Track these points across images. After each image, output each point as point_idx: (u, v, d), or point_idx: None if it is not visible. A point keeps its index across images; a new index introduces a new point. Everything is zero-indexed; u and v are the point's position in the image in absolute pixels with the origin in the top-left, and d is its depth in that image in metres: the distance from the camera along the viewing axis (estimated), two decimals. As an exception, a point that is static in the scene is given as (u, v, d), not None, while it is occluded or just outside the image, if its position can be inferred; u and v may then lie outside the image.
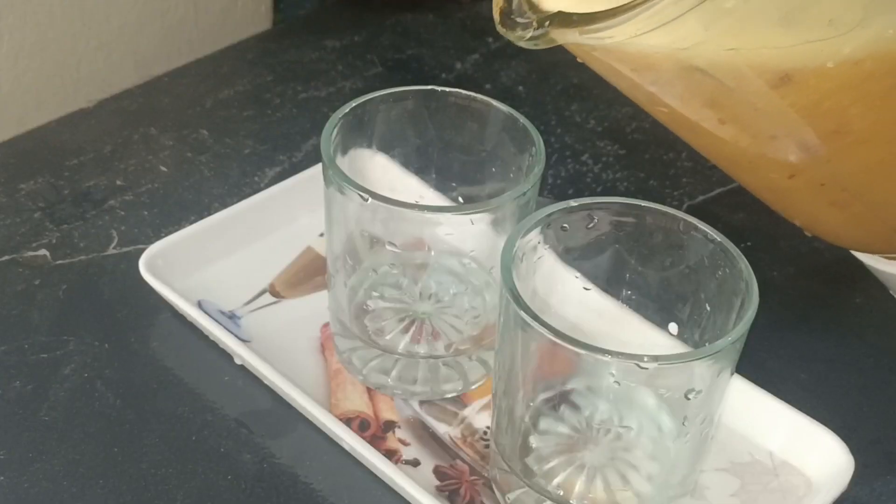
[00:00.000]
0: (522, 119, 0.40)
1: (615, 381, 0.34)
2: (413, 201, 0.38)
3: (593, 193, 0.53)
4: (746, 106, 0.34)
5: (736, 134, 0.36)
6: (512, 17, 0.34)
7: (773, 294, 0.48)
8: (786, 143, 0.35)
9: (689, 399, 0.33)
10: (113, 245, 0.48)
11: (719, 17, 0.30)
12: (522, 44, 0.33)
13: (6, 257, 0.47)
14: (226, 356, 0.42)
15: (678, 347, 0.38)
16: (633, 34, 0.30)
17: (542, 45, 0.33)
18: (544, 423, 0.37)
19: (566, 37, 0.32)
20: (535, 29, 0.33)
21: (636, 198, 0.37)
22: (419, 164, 0.43)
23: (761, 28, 0.31)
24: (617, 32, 0.30)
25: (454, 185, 0.43)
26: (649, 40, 0.31)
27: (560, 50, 0.37)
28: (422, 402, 0.41)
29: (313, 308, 0.45)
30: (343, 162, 0.39)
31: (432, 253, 0.42)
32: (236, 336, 0.42)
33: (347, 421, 0.40)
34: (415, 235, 0.41)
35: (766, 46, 0.32)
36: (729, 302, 0.35)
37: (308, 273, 0.47)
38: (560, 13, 0.32)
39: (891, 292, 0.46)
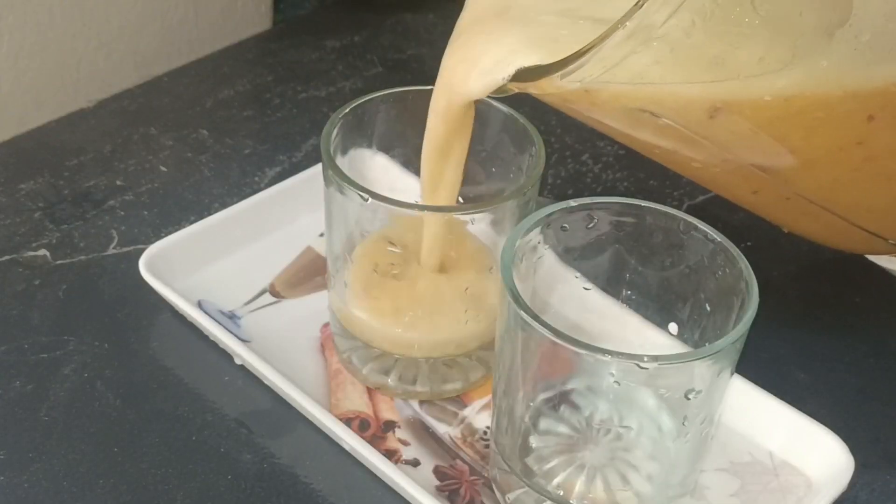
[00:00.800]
0: (522, 119, 0.40)
1: (615, 381, 0.34)
2: (413, 201, 0.38)
3: (593, 193, 0.53)
4: (694, 134, 0.34)
5: (694, 155, 0.36)
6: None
7: (773, 294, 0.47)
8: (740, 165, 0.36)
9: (689, 399, 0.33)
10: (113, 245, 0.48)
11: (661, 55, 0.31)
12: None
13: (6, 257, 0.47)
14: (226, 356, 0.42)
15: (678, 347, 0.38)
16: (595, 75, 0.31)
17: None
18: (544, 423, 0.37)
19: (531, 88, 0.33)
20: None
21: (636, 198, 0.37)
22: (419, 164, 0.43)
23: (696, 65, 0.32)
24: (584, 74, 0.31)
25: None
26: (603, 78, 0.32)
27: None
28: (422, 402, 0.41)
29: (313, 308, 0.45)
30: (343, 162, 0.39)
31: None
32: (236, 336, 0.42)
33: (347, 421, 0.40)
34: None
35: (700, 81, 0.32)
36: (729, 302, 0.35)
37: (308, 273, 0.47)
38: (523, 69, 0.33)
39: None
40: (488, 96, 0.35)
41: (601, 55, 0.30)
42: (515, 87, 0.34)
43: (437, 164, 0.37)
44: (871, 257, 0.45)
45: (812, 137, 0.35)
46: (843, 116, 0.34)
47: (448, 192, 0.37)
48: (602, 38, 0.30)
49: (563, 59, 0.31)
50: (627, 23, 0.29)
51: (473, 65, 0.34)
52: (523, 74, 0.33)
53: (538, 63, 0.32)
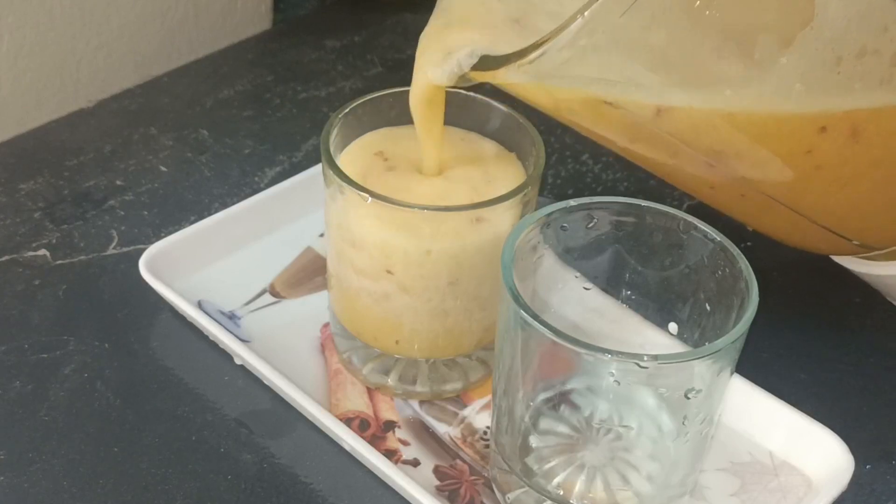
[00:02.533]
0: (522, 119, 0.40)
1: (615, 381, 0.34)
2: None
3: (593, 193, 0.53)
4: (645, 127, 0.35)
5: (647, 151, 0.36)
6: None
7: (773, 294, 0.48)
8: (691, 160, 0.36)
9: (688, 399, 0.33)
10: (113, 245, 0.48)
11: (613, 51, 0.32)
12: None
13: (6, 257, 0.47)
14: (226, 356, 0.42)
15: (678, 347, 0.38)
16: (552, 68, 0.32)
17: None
18: (544, 423, 0.37)
19: (486, 77, 0.35)
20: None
21: (636, 198, 0.37)
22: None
23: (647, 63, 0.33)
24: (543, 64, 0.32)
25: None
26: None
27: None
28: (422, 402, 0.41)
29: (313, 308, 0.45)
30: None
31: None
32: (236, 336, 0.42)
33: (347, 421, 0.40)
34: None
35: (649, 81, 0.33)
36: (729, 302, 0.35)
37: (308, 273, 0.47)
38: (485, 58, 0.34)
39: (886, 297, 0.46)
40: (457, 86, 0.37)
41: (558, 46, 0.30)
42: (477, 77, 0.35)
43: (422, 137, 0.39)
44: (837, 259, 0.45)
45: (759, 145, 0.35)
46: (792, 129, 0.34)
47: (432, 160, 0.39)
48: (559, 30, 0.30)
49: (521, 50, 0.32)
50: (584, 14, 0.30)
51: (437, 52, 0.36)
52: (484, 63, 0.34)
53: (497, 53, 0.34)
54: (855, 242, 0.40)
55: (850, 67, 0.33)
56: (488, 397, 0.41)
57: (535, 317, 0.32)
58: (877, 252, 0.41)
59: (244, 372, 0.42)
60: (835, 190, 0.37)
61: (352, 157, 0.40)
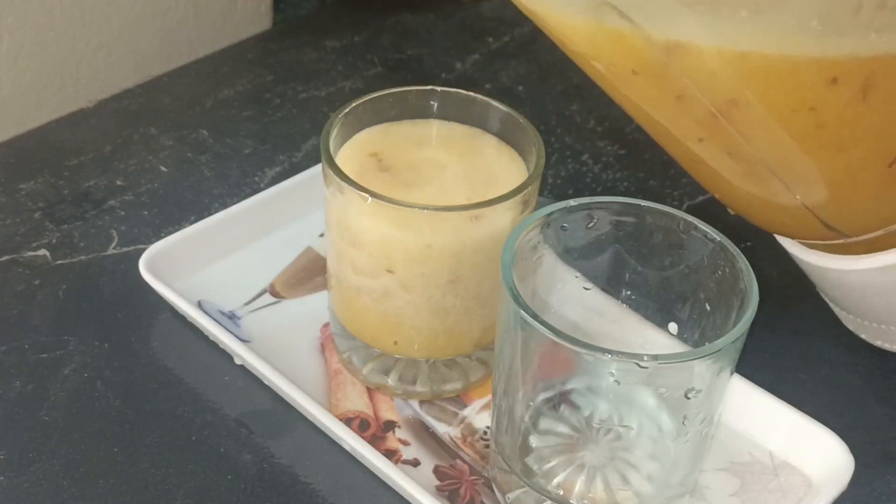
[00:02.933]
0: (522, 119, 0.40)
1: (615, 381, 0.34)
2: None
3: (593, 193, 0.53)
4: (653, 65, 0.34)
5: (645, 88, 0.36)
6: None
7: (773, 294, 0.48)
8: (690, 104, 0.35)
9: (688, 398, 0.33)
10: (113, 245, 0.48)
11: None
12: None
13: (6, 257, 0.47)
14: (226, 356, 0.42)
15: (678, 347, 0.38)
16: None
17: None
18: (544, 423, 0.37)
19: None
20: None
21: (636, 198, 0.37)
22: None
23: None
24: None
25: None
26: None
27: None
28: (422, 402, 0.41)
29: (313, 308, 0.45)
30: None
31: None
32: (236, 336, 0.42)
33: (347, 421, 0.40)
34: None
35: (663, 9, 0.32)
36: (729, 301, 0.35)
37: (308, 273, 0.47)
38: None
39: (817, 288, 0.45)
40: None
41: None
42: None
43: None
44: (781, 240, 0.44)
45: (767, 93, 0.34)
46: (803, 78, 0.34)
47: None
48: None
49: None
50: None
51: None
52: None
53: None
54: (828, 223, 0.39)
55: (869, 16, 0.32)
56: (488, 397, 0.41)
57: (535, 317, 0.32)
58: (843, 241, 0.41)
59: (244, 372, 0.42)
60: (828, 156, 0.36)
61: (347, 157, 0.40)
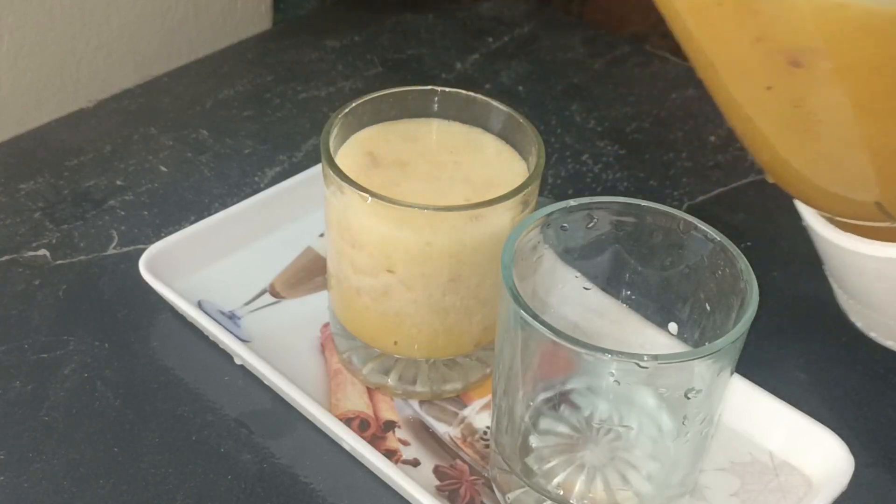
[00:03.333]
0: (522, 119, 0.40)
1: (615, 381, 0.34)
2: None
3: (593, 193, 0.53)
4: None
5: (725, 21, 0.35)
6: None
7: (773, 294, 0.48)
8: (769, 46, 0.34)
9: (688, 398, 0.33)
10: (113, 245, 0.48)
11: None
12: None
13: (6, 257, 0.47)
14: (226, 356, 0.42)
15: (678, 347, 0.38)
16: None
17: None
18: (544, 423, 0.37)
19: None
20: None
21: (636, 198, 0.37)
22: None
23: None
24: None
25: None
26: None
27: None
28: (422, 402, 0.41)
29: (313, 308, 0.45)
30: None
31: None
32: (236, 336, 0.42)
33: (347, 421, 0.40)
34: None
35: None
36: (729, 302, 0.35)
37: (308, 273, 0.47)
38: None
39: (824, 268, 0.44)
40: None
41: None
42: None
43: None
44: (803, 212, 0.43)
45: (854, 47, 0.33)
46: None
47: None
48: None
49: None
50: None
51: None
52: None
53: None
54: (880, 204, 0.38)
55: None
56: (488, 397, 0.41)
57: (535, 317, 0.32)
58: (889, 225, 0.39)
59: (244, 372, 0.42)
60: (893, 125, 0.35)
61: (347, 157, 0.40)
